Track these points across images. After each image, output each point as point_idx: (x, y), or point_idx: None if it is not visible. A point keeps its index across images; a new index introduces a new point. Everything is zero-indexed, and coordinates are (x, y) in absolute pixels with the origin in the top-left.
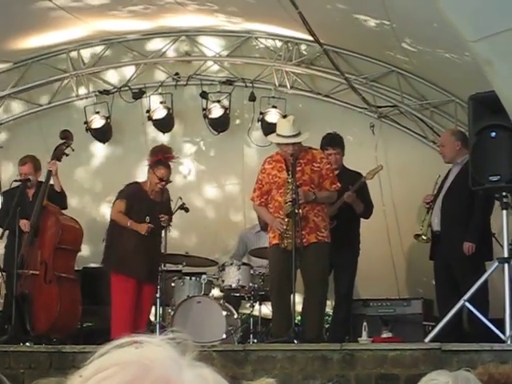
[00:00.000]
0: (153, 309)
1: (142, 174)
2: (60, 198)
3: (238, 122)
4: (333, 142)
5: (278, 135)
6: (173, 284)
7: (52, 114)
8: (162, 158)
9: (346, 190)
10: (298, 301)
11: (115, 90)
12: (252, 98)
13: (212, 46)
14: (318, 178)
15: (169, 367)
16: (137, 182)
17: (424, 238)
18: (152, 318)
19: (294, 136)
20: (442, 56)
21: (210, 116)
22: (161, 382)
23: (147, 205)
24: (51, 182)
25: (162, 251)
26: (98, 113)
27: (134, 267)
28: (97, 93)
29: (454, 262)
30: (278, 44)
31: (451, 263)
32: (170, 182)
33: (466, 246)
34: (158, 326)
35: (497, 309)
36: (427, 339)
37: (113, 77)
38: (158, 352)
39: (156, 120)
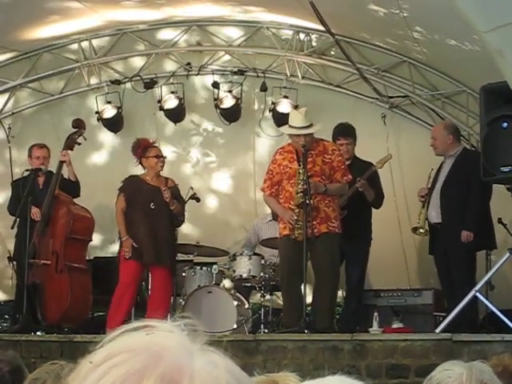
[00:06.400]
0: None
1: None
2: (74, 187)
3: (249, 112)
4: (345, 131)
5: (290, 126)
6: (184, 274)
7: (63, 104)
8: (145, 144)
9: (356, 180)
10: (308, 291)
11: (126, 79)
12: (263, 88)
13: (223, 36)
14: (329, 170)
15: (180, 355)
16: (133, 175)
17: (422, 230)
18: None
19: (306, 127)
20: (454, 46)
21: (221, 106)
22: (172, 370)
23: (148, 191)
24: (65, 171)
25: (172, 235)
26: (109, 102)
27: (143, 252)
28: (108, 82)
29: (451, 251)
30: (290, 34)
31: (449, 253)
32: (166, 157)
33: (464, 235)
34: (168, 315)
35: (508, 299)
36: (438, 330)
37: (124, 67)
38: (169, 338)
39: (167, 110)
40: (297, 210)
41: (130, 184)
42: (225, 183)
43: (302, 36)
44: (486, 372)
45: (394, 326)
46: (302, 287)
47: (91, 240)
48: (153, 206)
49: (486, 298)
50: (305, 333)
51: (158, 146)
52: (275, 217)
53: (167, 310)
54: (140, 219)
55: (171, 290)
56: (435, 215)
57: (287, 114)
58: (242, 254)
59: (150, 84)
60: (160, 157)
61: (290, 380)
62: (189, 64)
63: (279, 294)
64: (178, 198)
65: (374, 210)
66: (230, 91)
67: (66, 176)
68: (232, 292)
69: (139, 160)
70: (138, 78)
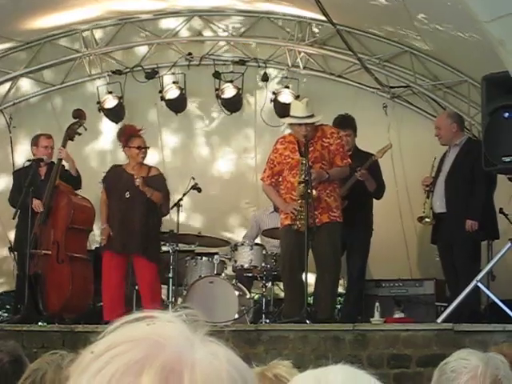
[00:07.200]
0: (165, 289)
1: (153, 155)
2: (75, 181)
3: (250, 102)
4: (343, 123)
5: (291, 116)
6: (185, 264)
7: (65, 94)
8: (131, 132)
9: (356, 170)
10: (310, 281)
11: (128, 70)
12: (265, 79)
13: (225, 26)
14: (328, 154)
15: (181, 345)
16: (116, 165)
17: (428, 220)
18: (164, 297)
19: (308, 117)
20: (456, 36)
21: (222, 96)
22: (172, 360)
23: (125, 180)
24: (65, 165)
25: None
26: (110, 93)
27: (116, 241)
28: (109, 73)
29: (456, 240)
30: (291, 24)
31: (453, 242)
32: (148, 147)
33: (469, 224)
34: (170, 306)
35: (510, 289)
36: (439, 320)
37: (126, 57)
38: (169, 329)
39: (169, 100)
40: (299, 201)
41: (110, 174)
42: (226, 173)
43: (303, 26)
44: (501, 367)
45: (396, 316)
46: (304, 277)
47: (92, 230)
48: (127, 194)
49: (488, 288)
50: (306, 323)
51: (144, 134)
52: (277, 208)
53: (153, 297)
54: (115, 208)
55: (148, 278)
56: (439, 205)
57: (288, 104)
58: (243, 245)
59: (152, 74)
60: (142, 148)
61: (278, 368)
62: (190, 54)
63: (281, 284)
64: (160, 187)
65: (375, 200)
66: (231, 81)
67: (67, 167)
68: (233, 282)
69: (123, 148)
70: (140, 68)
